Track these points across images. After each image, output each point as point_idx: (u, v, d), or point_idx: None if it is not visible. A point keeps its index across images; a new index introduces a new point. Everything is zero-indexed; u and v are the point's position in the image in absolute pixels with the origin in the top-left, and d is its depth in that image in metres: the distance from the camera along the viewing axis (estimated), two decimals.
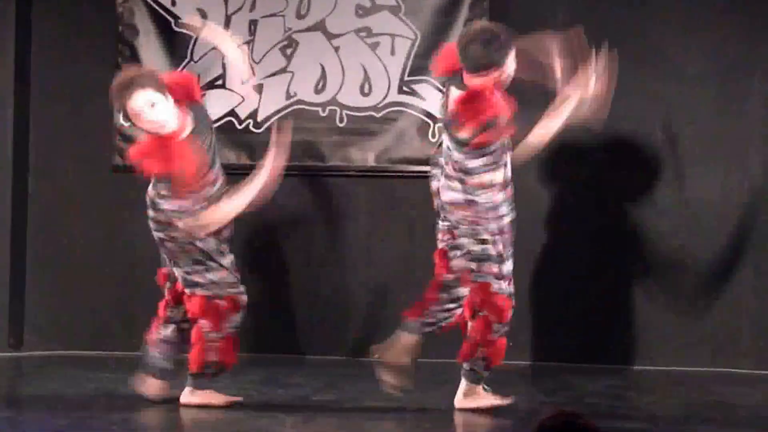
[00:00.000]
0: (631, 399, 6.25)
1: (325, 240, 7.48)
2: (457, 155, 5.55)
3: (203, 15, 7.51)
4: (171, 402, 5.63)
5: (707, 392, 6.42)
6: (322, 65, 7.42)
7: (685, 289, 7.19)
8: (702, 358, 7.11)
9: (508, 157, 5.61)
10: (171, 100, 5.43)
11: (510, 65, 5.51)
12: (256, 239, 7.42)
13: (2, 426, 5.01)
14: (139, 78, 5.38)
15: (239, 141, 7.48)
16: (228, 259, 5.57)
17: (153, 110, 5.34)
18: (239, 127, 7.48)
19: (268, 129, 7.43)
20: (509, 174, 5.61)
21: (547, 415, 3.08)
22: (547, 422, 3.04)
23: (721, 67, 7.19)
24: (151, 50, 7.55)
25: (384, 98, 7.37)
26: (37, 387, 6.33)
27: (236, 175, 7.12)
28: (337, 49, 7.43)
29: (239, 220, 5.79)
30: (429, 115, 7.33)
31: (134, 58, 7.55)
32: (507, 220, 5.61)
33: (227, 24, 7.49)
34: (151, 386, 5.66)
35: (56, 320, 7.59)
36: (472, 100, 5.45)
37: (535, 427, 3.03)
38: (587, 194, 7.22)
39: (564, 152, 7.24)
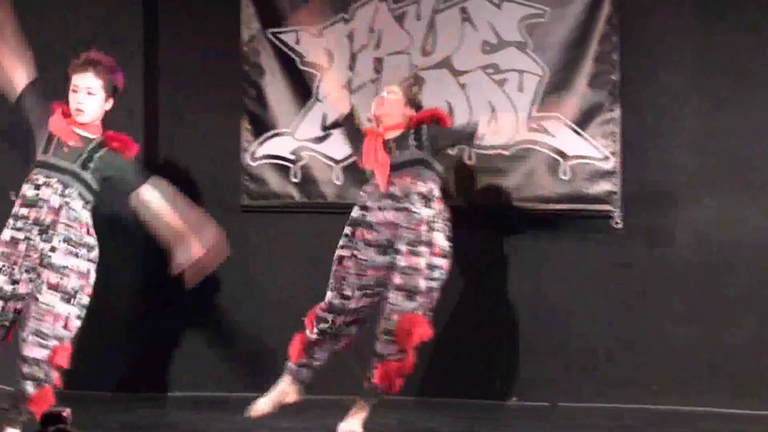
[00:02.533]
0: None
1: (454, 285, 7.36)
2: None
3: (329, 54, 7.50)
4: None
5: None
6: (448, 102, 7.34)
7: None
8: None
9: None
10: (108, 102, 5.44)
11: None
12: None
13: None
14: (99, 65, 5.43)
15: (366, 180, 7.41)
16: None
17: (86, 96, 5.40)
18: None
19: None
20: None
21: None
22: None
23: None
24: (276, 89, 7.55)
25: (513, 136, 7.26)
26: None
27: None
28: (463, 86, 7.35)
29: None
30: (560, 152, 7.21)
31: (260, 97, 7.56)
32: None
33: (353, 61, 7.46)
34: None
35: (181, 361, 7.59)
36: None
37: None
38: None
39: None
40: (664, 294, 7.11)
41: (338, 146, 7.46)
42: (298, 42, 7.54)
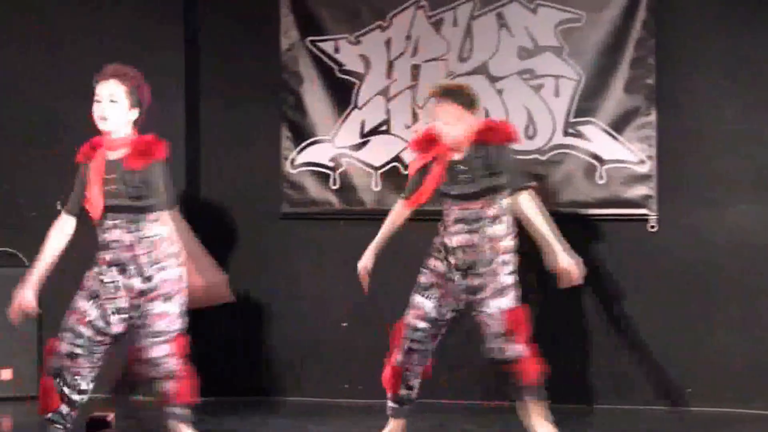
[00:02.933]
0: None
1: None
2: None
3: (366, 61, 7.57)
4: None
5: None
6: (485, 108, 7.36)
7: None
8: None
9: None
10: (132, 112, 5.37)
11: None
12: None
13: None
14: (121, 73, 5.39)
15: (404, 186, 7.47)
16: None
17: (109, 104, 5.33)
18: (404, 173, 7.47)
19: None
20: None
21: None
22: None
23: None
24: (315, 97, 7.62)
25: (549, 141, 7.31)
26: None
27: None
28: (500, 91, 7.39)
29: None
30: (596, 157, 7.24)
31: (299, 105, 7.63)
32: None
33: (390, 69, 7.53)
34: None
35: (216, 368, 7.66)
36: None
37: None
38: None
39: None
40: (700, 297, 7.11)
41: (377, 153, 7.54)
42: (336, 50, 7.62)
